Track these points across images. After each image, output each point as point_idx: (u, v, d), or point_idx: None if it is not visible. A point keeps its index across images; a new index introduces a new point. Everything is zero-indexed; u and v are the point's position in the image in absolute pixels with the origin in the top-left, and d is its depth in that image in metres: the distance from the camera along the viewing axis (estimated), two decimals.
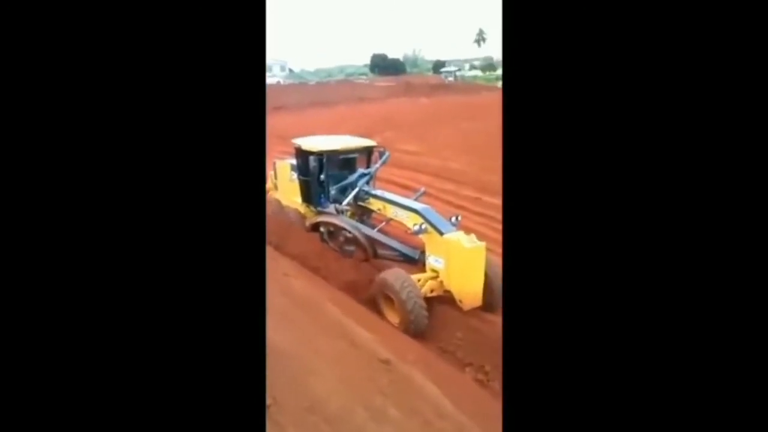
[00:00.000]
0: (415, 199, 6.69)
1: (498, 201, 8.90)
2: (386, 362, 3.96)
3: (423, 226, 5.61)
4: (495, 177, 10.13)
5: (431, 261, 5.65)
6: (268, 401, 3.07)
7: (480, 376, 4.51)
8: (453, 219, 5.83)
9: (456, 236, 5.37)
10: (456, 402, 3.58)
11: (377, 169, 7.26)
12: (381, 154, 7.33)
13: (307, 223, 7.51)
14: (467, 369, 4.63)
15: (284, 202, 8.29)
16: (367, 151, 7.49)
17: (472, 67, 63.47)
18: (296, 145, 7.50)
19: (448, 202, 9.61)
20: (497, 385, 4.33)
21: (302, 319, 4.71)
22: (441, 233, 5.45)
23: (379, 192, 6.82)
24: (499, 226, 7.35)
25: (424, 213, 5.74)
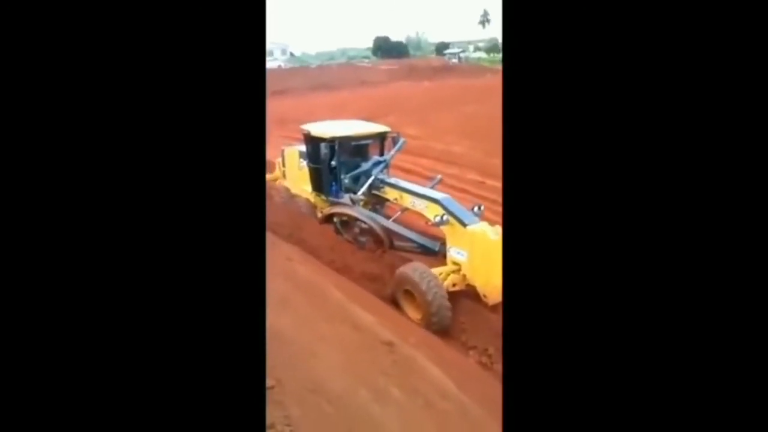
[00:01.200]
0: (432, 188, 6.37)
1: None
2: (389, 344, 3.99)
3: (444, 217, 5.29)
4: (498, 161, 10.04)
5: (453, 253, 5.31)
6: (272, 383, 3.10)
7: (483, 359, 4.54)
8: (475, 209, 5.55)
9: (480, 227, 5.06)
10: (459, 384, 3.61)
11: (393, 156, 6.91)
12: (395, 141, 6.95)
13: (320, 214, 7.19)
14: (471, 352, 4.66)
15: (293, 191, 7.93)
16: (381, 138, 7.12)
17: (477, 49, 62.75)
18: (305, 131, 7.14)
19: (452, 186, 9.56)
20: (500, 367, 4.37)
21: (305, 302, 4.73)
22: (464, 224, 5.14)
23: (394, 180, 6.50)
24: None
25: (444, 203, 5.43)
